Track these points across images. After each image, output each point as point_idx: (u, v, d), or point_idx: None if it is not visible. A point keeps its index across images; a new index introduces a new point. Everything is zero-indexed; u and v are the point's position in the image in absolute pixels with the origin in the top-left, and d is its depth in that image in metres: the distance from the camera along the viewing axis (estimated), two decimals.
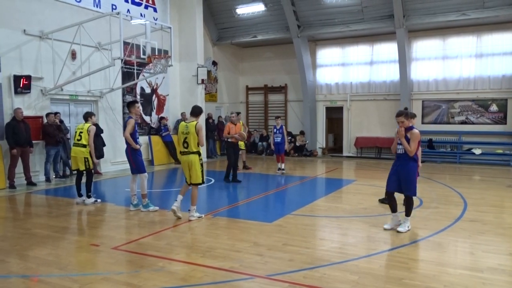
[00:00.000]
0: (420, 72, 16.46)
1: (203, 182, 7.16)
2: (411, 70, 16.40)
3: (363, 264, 4.90)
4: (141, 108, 14.69)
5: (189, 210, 7.13)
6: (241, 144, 13.26)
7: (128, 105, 8.22)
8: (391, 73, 16.91)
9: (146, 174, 7.84)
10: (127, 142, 7.69)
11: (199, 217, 7.11)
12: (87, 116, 8.55)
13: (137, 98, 14.43)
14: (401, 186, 6.20)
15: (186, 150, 7.00)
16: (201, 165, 7.02)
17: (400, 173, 6.17)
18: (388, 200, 6.46)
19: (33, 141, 10.59)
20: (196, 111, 7.15)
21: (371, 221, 6.93)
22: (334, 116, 18.89)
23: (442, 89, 16.08)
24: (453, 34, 15.71)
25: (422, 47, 16.35)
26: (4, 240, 6.01)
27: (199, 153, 7.01)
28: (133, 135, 7.68)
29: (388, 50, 16.79)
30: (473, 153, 15.31)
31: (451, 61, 15.90)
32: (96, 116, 12.42)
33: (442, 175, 12.36)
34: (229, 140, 11.30)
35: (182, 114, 15.24)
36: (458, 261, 5.11)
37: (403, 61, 15.71)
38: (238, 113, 13.79)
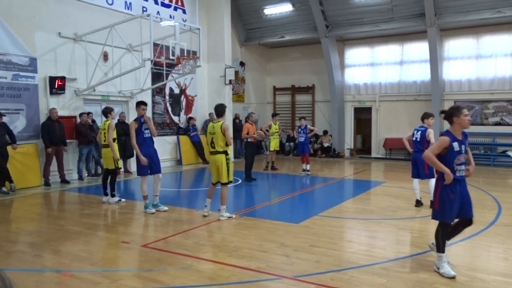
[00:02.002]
0: (452, 71, 16.00)
1: (230, 182, 7.20)
2: (442, 70, 15.97)
3: (392, 267, 4.82)
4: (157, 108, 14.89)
5: (219, 210, 7.19)
6: (276, 145, 13.30)
7: (135, 106, 7.97)
8: (422, 73, 16.52)
9: (146, 177, 7.71)
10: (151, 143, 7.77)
11: (229, 217, 7.12)
12: (107, 112, 8.47)
13: (165, 99, 14.68)
14: (464, 210, 4.66)
15: (213, 150, 7.08)
16: (228, 164, 7.05)
17: (464, 195, 4.64)
18: (449, 233, 4.81)
19: (67, 140, 10.93)
20: (219, 111, 7.17)
21: (400, 223, 6.80)
22: (363, 117, 18.61)
23: (475, 89, 15.59)
24: (487, 33, 15.20)
25: (455, 46, 15.89)
26: (40, 236, 6.22)
27: (226, 153, 7.04)
28: (140, 133, 7.56)
29: (419, 49, 16.41)
30: (508, 156, 14.79)
31: (485, 60, 15.39)
32: (125, 113, 12.81)
33: (475, 178, 11.94)
34: (249, 140, 11.34)
35: (210, 114, 15.37)
36: (492, 266, 4.94)
37: (435, 60, 15.32)
38: (276, 115, 13.88)
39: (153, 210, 7.61)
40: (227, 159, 7.04)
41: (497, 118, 15.28)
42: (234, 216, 7.23)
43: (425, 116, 7.88)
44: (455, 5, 14.43)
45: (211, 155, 7.16)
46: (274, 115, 13.96)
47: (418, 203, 8.00)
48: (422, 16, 14.97)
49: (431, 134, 7.69)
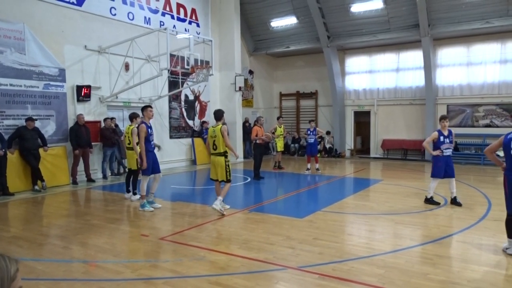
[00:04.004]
0: (445, 78, 15.84)
1: (229, 181, 7.05)
2: (436, 76, 15.82)
3: (389, 259, 4.77)
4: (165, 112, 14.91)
5: (216, 198, 7.10)
6: (280, 145, 13.28)
7: (142, 110, 7.57)
8: (417, 79, 16.38)
9: (148, 177, 7.53)
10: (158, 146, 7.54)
11: (220, 210, 6.93)
12: (133, 117, 8.33)
13: (181, 104, 14.77)
14: None
15: (215, 151, 7.05)
16: (227, 165, 6.99)
17: None
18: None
19: (92, 143, 11.01)
20: (217, 115, 7.13)
21: (397, 218, 6.74)
22: (362, 120, 18.51)
23: (467, 94, 15.41)
24: (478, 42, 15.03)
25: (447, 54, 15.74)
26: (68, 230, 6.27)
27: (225, 155, 7.01)
28: (148, 138, 7.35)
29: (414, 57, 16.29)
30: (498, 155, 14.55)
31: (475, 67, 15.22)
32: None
33: (466, 176, 11.85)
34: (257, 141, 11.33)
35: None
36: (482, 258, 4.87)
37: (428, 67, 15.19)
38: (279, 117, 13.88)
39: (152, 209, 7.45)
40: (226, 161, 7.00)
41: (487, 120, 15.10)
42: (225, 214, 7.00)
43: (439, 119, 7.82)
44: (447, 16, 14.30)
45: (212, 156, 7.12)
46: (278, 118, 13.91)
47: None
48: (416, 27, 14.85)
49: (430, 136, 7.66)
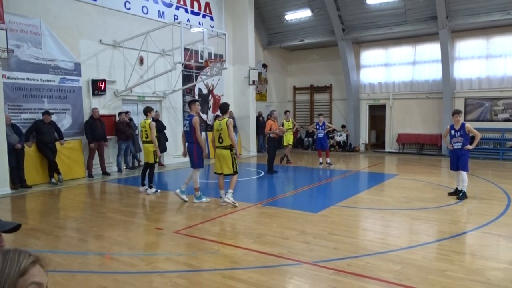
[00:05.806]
0: (463, 71, 15.47)
1: (236, 172, 7.17)
2: (454, 69, 15.46)
3: (406, 255, 4.70)
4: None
5: (225, 192, 7.19)
6: (290, 139, 13.15)
7: (189, 104, 7.94)
8: (434, 72, 16.03)
9: (199, 170, 7.68)
10: (191, 140, 7.49)
11: (233, 203, 7.07)
12: (147, 111, 8.50)
13: (196, 98, 14.80)
14: None
15: (220, 144, 7.09)
16: (233, 157, 7.07)
17: None
18: None
19: (107, 137, 11.12)
20: (223, 109, 7.19)
21: (413, 214, 6.64)
22: (377, 114, 18.25)
23: (485, 87, 15.03)
24: (498, 33, 14.60)
25: (466, 47, 15.35)
26: (84, 222, 6.36)
27: (231, 148, 7.07)
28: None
29: (431, 50, 15.93)
30: None
31: (495, 60, 14.81)
32: (159, 112, 12.92)
33: (484, 171, 11.60)
34: (271, 135, 11.28)
35: (230, 112, 15.30)
36: (501, 255, 4.76)
37: (446, 60, 14.85)
38: (287, 111, 13.73)
39: (209, 199, 7.58)
40: (232, 154, 7.07)
41: (506, 114, 14.72)
42: (237, 205, 7.13)
43: (451, 113, 7.93)
44: (466, 8, 13.92)
45: (217, 149, 7.17)
46: (285, 112, 13.73)
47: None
48: (434, 19, 14.52)
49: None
